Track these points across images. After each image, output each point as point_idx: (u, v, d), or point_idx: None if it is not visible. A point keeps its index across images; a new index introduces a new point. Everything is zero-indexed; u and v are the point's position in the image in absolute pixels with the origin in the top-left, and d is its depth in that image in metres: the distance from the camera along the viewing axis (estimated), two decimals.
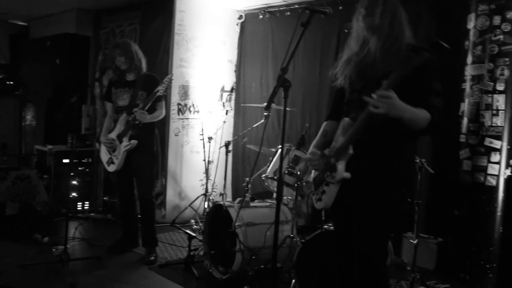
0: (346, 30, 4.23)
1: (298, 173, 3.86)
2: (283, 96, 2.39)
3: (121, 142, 4.22)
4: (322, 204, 2.47)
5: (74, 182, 5.84)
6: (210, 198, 5.36)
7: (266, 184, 4.28)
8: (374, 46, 2.37)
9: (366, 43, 2.42)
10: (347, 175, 2.33)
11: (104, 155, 4.40)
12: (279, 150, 4.07)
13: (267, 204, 4.11)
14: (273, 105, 2.31)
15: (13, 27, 7.89)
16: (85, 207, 5.95)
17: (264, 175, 4.21)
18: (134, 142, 4.18)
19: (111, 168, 4.33)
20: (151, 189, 4.47)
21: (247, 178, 4.11)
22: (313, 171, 2.63)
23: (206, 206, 5.27)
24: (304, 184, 3.83)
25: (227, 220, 3.80)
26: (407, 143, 2.40)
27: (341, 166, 2.34)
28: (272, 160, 4.26)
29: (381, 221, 2.35)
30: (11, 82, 5.61)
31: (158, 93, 4.07)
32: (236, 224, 3.69)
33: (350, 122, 2.37)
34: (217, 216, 4.01)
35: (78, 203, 5.89)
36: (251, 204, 4.03)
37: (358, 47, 2.46)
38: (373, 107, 2.14)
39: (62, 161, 5.74)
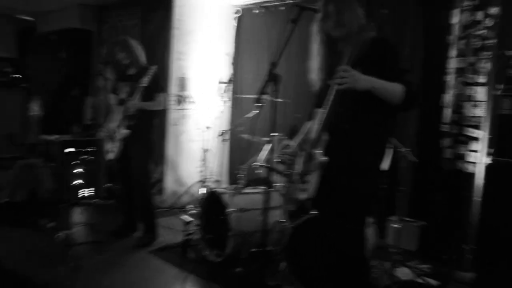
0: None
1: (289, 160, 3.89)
2: (274, 89, 2.42)
3: (118, 132, 4.30)
4: (305, 194, 2.49)
5: (79, 170, 5.89)
6: (207, 184, 5.42)
7: (258, 171, 4.32)
8: (343, 45, 2.42)
9: (335, 45, 2.47)
10: (324, 158, 2.35)
11: (108, 144, 4.47)
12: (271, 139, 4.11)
13: (260, 190, 4.15)
14: (267, 96, 2.35)
15: (20, 22, 7.90)
16: (89, 194, 6.01)
17: (255, 163, 4.25)
18: (124, 131, 4.24)
19: (110, 156, 4.41)
20: (147, 175, 4.51)
21: (242, 165, 4.15)
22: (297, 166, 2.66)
23: (201, 192, 5.33)
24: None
25: (221, 206, 3.85)
26: (380, 125, 2.42)
27: (317, 152, 2.37)
28: (264, 149, 4.30)
29: (352, 205, 2.39)
30: (18, 76, 5.64)
31: (142, 84, 4.11)
32: (230, 209, 3.74)
33: (322, 111, 2.39)
34: (212, 202, 4.06)
35: (83, 190, 5.95)
36: (244, 191, 4.08)
37: (326, 53, 2.51)
38: (338, 85, 2.18)
39: (67, 150, 5.79)
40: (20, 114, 5.38)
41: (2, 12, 7.31)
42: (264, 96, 2.57)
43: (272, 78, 2.39)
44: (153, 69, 4.17)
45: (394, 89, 2.24)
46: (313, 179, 2.41)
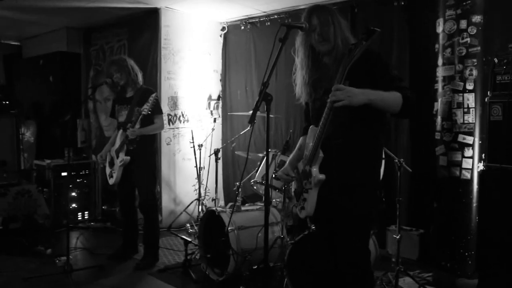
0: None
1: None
2: (265, 109, 2.40)
3: (117, 157, 4.22)
4: (305, 212, 2.43)
5: (73, 194, 5.82)
6: (203, 202, 5.38)
7: (255, 188, 4.29)
8: (329, 59, 2.41)
9: (320, 60, 2.45)
10: (322, 176, 2.32)
11: (107, 169, 4.41)
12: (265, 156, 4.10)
13: (257, 207, 4.13)
14: (258, 112, 2.33)
15: (6, 47, 7.80)
16: (85, 217, 5.93)
17: (253, 180, 4.23)
18: (126, 158, 4.17)
19: (111, 181, 4.34)
20: (153, 197, 4.44)
21: (237, 183, 4.12)
22: (293, 183, 2.64)
23: (199, 210, 5.29)
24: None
25: (220, 224, 3.81)
26: (374, 138, 2.39)
27: (315, 169, 2.35)
28: (259, 165, 4.28)
29: (354, 222, 2.35)
30: (7, 102, 5.56)
31: (143, 112, 4.01)
32: (229, 228, 3.70)
33: (316, 128, 2.36)
34: (210, 221, 4.02)
35: (78, 214, 5.87)
36: (242, 208, 4.05)
37: (311, 66, 2.47)
38: (335, 102, 2.14)
39: (60, 174, 5.70)
40: (12, 140, 5.29)
41: None
42: (259, 113, 2.54)
43: (264, 97, 2.37)
44: (153, 96, 4.06)
45: (391, 97, 2.20)
46: (311, 197, 2.38)
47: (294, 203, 4.00)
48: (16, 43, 7.81)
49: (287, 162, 2.68)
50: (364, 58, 2.20)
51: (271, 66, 2.28)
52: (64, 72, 6.66)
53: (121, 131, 4.23)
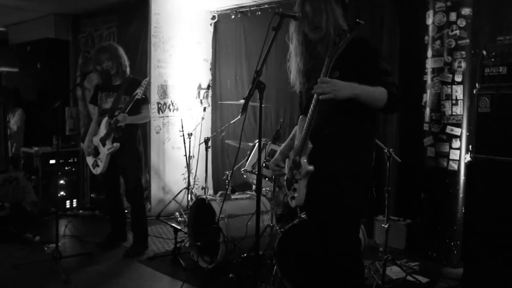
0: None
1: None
2: (258, 97, 2.38)
3: (104, 145, 4.17)
4: (295, 202, 2.41)
5: (62, 182, 5.77)
6: (193, 191, 5.37)
7: (245, 176, 4.29)
8: (321, 48, 2.37)
9: (313, 48, 2.42)
10: (311, 168, 2.30)
11: (90, 159, 4.33)
12: (256, 145, 4.09)
13: (247, 196, 4.13)
14: (252, 103, 2.31)
15: None
16: (73, 205, 5.88)
17: (243, 169, 4.22)
18: (116, 145, 4.12)
19: (96, 171, 4.28)
20: (140, 185, 4.41)
21: (227, 172, 4.12)
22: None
23: (189, 199, 5.28)
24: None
25: (210, 213, 3.80)
26: (363, 129, 2.37)
27: (304, 160, 2.34)
28: (250, 154, 4.27)
29: (344, 212, 2.34)
30: None
31: (137, 96, 3.98)
32: (219, 216, 3.70)
33: (305, 118, 2.34)
34: (200, 209, 4.01)
35: (67, 201, 5.82)
36: (232, 197, 4.05)
37: (305, 53, 2.45)
38: (321, 95, 2.12)
39: (48, 162, 5.65)
40: (0, 128, 5.21)
41: None
42: (249, 103, 2.52)
43: (257, 86, 2.35)
44: (147, 80, 4.03)
45: (377, 93, 2.17)
46: (301, 187, 2.37)
47: (283, 192, 4.04)
48: (2, 29, 7.67)
49: (278, 151, 2.67)
50: (352, 48, 2.18)
51: (264, 54, 2.26)
52: (52, 59, 6.57)
53: (106, 118, 4.15)
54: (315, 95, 2.19)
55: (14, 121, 6.28)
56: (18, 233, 4.70)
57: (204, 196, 3.99)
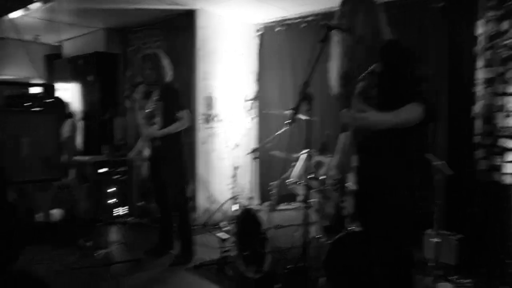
0: None
1: (321, 177, 3.84)
2: (307, 109, 2.37)
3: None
4: (346, 211, 2.42)
5: (111, 189, 5.89)
6: (238, 201, 5.37)
7: (291, 187, 4.26)
8: (360, 52, 2.35)
9: (353, 52, 2.38)
10: (353, 187, 2.29)
11: (138, 164, 4.46)
12: (302, 156, 4.07)
13: (293, 207, 4.09)
14: (300, 114, 2.30)
15: (47, 48, 7.98)
16: (122, 213, 5.99)
17: (288, 180, 4.20)
18: (148, 152, 4.25)
19: (141, 176, 4.39)
20: (184, 195, 4.45)
21: (273, 182, 4.10)
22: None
23: (235, 209, 5.28)
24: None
25: (256, 223, 3.79)
26: (411, 142, 2.29)
27: (349, 179, 2.31)
28: (295, 165, 4.25)
29: (393, 227, 2.29)
30: (49, 100, 5.66)
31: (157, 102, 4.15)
32: (266, 227, 3.69)
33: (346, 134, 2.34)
34: (247, 219, 4.00)
35: (116, 209, 5.94)
36: (279, 208, 4.03)
37: (344, 58, 2.42)
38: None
39: (99, 170, 5.79)
40: (54, 137, 5.38)
41: (29, 39, 7.39)
42: (297, 115, 2.51)
43: (305, 97, 2.34)
44: (171, 87, 4.11)
45: (409, 115, 2.12)
46: (348, 201, 2.35)
47: (330, 203, 3.98)
48: (57, 44, 7.96)
49: (333, 165, 2.64)
50: (387, 51, 2.15)
51: (312, 66, 2.25)
52: (102, 72, 6.76)
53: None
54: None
55: (65, 131, 6.47)
56: (71, 239, 4.81)
57: (250, 206, 3.98)
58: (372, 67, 2.18)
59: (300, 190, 4.07)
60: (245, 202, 5.52)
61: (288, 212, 3.98)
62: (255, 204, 5.09)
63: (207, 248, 4.76)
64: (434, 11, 4.42)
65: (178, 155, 4.35)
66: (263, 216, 3.76)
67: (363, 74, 2.17)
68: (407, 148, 2.31)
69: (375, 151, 2.29)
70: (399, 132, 2.22)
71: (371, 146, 2.28)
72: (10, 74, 7.48)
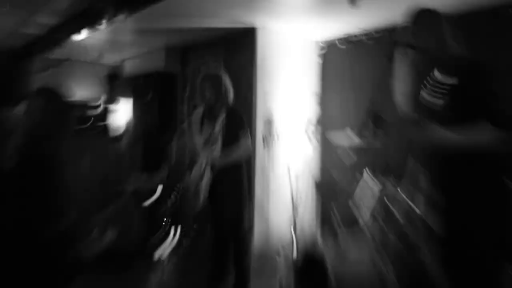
0: None
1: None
2: (375, 132, 2.24)
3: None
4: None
5: (168, 211, 5.78)
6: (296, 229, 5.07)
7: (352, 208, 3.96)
8: (423, 65, 2.26)
9: (420, 66, 2.27)
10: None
11: (195, 187, 4.28)
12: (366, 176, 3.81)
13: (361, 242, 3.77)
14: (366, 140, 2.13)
15: (108, 68, 8.14)
16: (179, 235, 5.86)
17: (354, 206, 3.90)
18: (208, 177, 4.06)
19: (198, 200, 4.22)
20: (241, 219, 4.22)
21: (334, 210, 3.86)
22: None
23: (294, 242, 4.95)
24: None
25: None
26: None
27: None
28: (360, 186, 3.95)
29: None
30: (104, 123, 5.69)
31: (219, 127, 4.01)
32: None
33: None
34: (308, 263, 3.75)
35: (173, 231, 5.82)
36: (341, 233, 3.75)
37: (410, 74, 2.30)
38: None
39: (155, 194, 5.70)
40: (114, 158, 5.39)
41: (91, 61, 7.56)
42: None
43: (376, 119, 2.17)
44: (235, 110, 3.95)
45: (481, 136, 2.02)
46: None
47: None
48: (117, 64, 8.11)
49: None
50: (465, 72, 2.03)
51: (379, 84, 2.12)
52: (161, 91, 6.75)
53: (206, 148, 4.11)
54: None
55: (119, 152, 6.49)
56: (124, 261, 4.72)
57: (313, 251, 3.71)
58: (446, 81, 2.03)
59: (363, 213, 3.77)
60: (303, 230, 5.23)
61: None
62: (314, 233, 4.80)
63: (265, 275, 4.56)
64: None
65: (236, 178, 4.15)
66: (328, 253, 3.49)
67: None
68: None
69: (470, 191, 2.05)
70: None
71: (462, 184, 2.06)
72: (76, 95, 7.68)
